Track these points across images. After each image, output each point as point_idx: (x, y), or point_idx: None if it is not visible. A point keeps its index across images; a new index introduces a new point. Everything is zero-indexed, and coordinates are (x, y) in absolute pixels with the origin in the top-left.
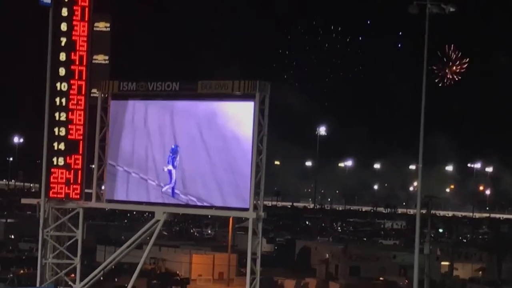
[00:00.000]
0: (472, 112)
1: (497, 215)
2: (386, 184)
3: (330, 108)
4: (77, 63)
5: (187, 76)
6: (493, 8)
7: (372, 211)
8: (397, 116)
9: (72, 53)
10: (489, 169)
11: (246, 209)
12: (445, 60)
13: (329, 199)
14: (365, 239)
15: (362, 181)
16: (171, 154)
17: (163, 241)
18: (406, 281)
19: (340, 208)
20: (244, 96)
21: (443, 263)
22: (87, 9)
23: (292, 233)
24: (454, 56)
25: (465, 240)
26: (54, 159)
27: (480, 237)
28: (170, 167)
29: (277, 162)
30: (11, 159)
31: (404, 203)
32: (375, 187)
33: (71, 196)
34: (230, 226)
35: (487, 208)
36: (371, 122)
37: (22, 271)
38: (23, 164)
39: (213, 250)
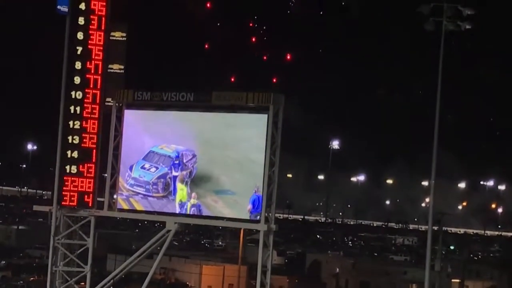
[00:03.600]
0: (486, 129)
1: (509, 233)
2: (398, 200)
3: (343, 121)
4: (92, 71)
5: (200, 86)
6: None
7: (383, 226)
8: (410, 131)
9: (88, 62)
10: (502, 187)
11: (257, 221)
12: None
13: (340, 213)
14: (376, 254)
15: (374, 196)
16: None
17: (174, 251)
18: None
19: (351, 223)
20: (258, 108)
21: (454, 280)
22: (103, 18)
23: (303, 246)
24: None
25: (476, 258)
26: (67, 167)
27: (492, 255)
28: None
29: (289, 175)
30: (24, 166)
31: (415, 219)
32: (387, 202)
33: (83, 204)
34: (241, 237)
35: (499, 226)
36: (383, 136)
37: (32, 278)
38: (36, 171)
39: (223, 262)
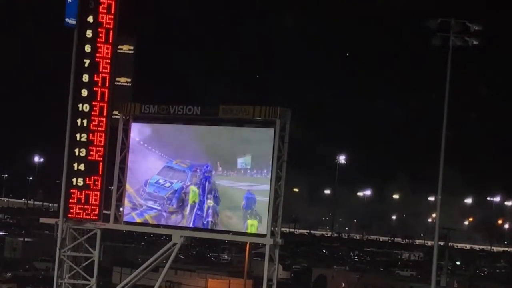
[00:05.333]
0: (493, 145)
1: None
2: (404, 215)
3: (349, 136)
4: (99, 84)
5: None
6: None
7: (389, 241)
8: (418, 146)
9: (95, 75)
10: (509, 203)
11: (264, 235)
12: None
13: (346, 228)
14: (381, 269)
15: (380, 211)
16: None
17: (179, 264)
18: None
19: (357, 237)
20: (265, 122)
21: None
22: (111, 31)
23: (309, 261)
24: None
25: (482, 274)
26: (74, 180)
27: (498, 271)
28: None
29: (295, 189)
30: (30, 178)
31: (422, 234)
32: (393, 217)
33: (89, 217)
34: (247, 251)
35: (505, 242)
36: (391, 151)
37: None
38: (43, 183)
39: (229, 275)
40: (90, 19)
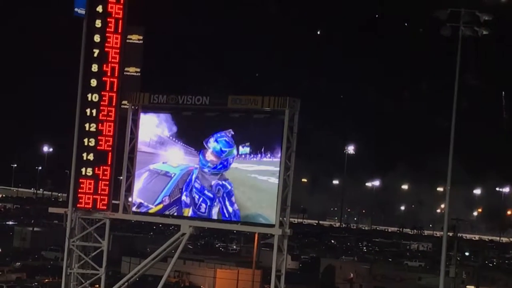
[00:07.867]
0: (503, 135)
1: None
2: (413, 205)
3: (359, 126)
4: (108, 74)
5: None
6: None
7: (398, 231)
8: (429, 136)
9: (104, 65)
10: None
11: (272, 225)
12: None
13: (355, 219)
14: (390, 259)
15: (389, 202)
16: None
17: (188, 254)
18: None
19: (366, 228)
20: (274, 113)
21: (468, 286)
22: (120, 21)
23: (317, 251)
24: None
25: (491, 264)
26: (83, 170)
27: (507, 261)
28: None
29: (304, 180)
30: (40, 168)
31: (430, 225)
32: (402, 207)
33: (98, 206)
34: (256, 242)
35: None
36: (398, 141)
37: (47, 280)
38: (52, 173)
39: (237, 266)
40: (100, 9)
